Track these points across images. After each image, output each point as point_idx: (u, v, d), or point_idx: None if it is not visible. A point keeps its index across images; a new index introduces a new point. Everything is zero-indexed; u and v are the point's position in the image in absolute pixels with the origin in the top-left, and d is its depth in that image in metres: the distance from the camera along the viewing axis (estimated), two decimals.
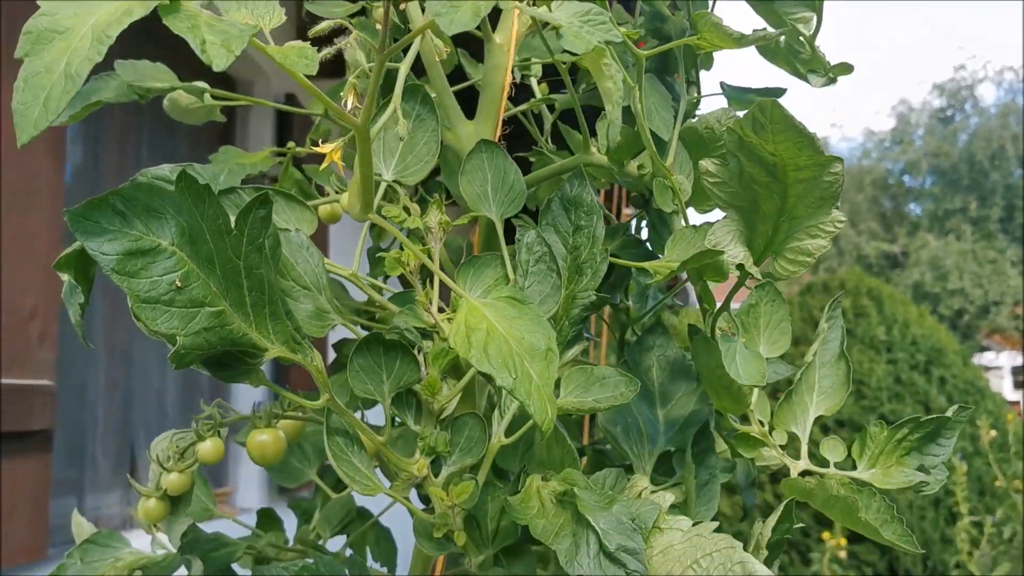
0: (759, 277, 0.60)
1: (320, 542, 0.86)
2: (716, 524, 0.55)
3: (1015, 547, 3.53)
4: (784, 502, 0.61)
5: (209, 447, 0.68)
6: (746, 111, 0.55)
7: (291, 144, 0.90)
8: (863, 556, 4.06)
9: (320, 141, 0.63)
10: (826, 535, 3.55)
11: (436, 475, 0.66)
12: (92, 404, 2.08)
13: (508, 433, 0.68)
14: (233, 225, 0.53)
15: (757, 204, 0.60)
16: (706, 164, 0.60)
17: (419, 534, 0.66)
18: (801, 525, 0.73)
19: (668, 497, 0.62)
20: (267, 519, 0.92)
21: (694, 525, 0.58)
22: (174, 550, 0.70)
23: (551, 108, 1.00)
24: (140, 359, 2.32)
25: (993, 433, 4.15)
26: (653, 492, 0.65)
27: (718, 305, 0.70)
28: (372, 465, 0.65)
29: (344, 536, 0.90)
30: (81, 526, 0.85)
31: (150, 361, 2.36)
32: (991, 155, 18.56)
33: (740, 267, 0.61)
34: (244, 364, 0.55)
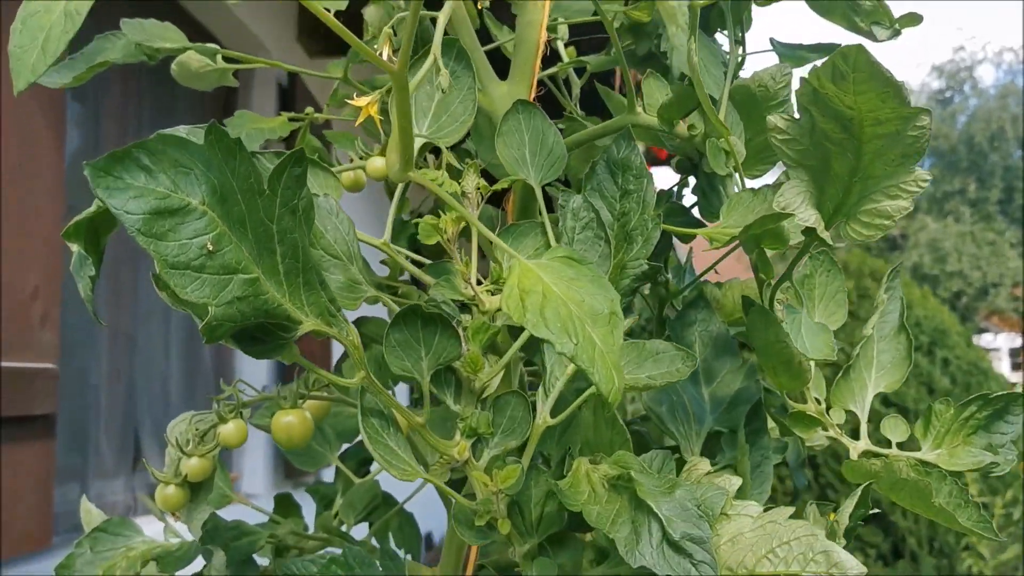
0: (830, 242, 0.56)
1: (343, 529, 0.81)
2: (791, 509, 0.51)
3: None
4: (860, 487, 0.56)
5: (232, 429, 0.63)
6: (825, 60, 0.51)
7: (309, 109, 0.85)
8: (867, 538, 4.03)
9: (355, 95, 0.58)
10: (831, 516, 3.52)
11: (477, 459, 0.62)
12: (95, 389, 2.03)
13: (553, 413, 0.63)
14: (266, 185, 0.48)
15: (828, 163, 0.55)
16: (775, 120, 0.55)
17: (459, 522, 0.61)
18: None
19: (734, 481, 0.57)
20: (285, 505, 0.88)
21: (765, 511, 0.53)
22: (189, 538, 0.65)
23: (579, 73, 0.95)
24: (144, 343, 2.27)
25: None
26: (712, 474, 0.60)
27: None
28: (408, 448, 0.60)
29: (367, 524, 0.85)
30: (90, 513, 0.80)
31: (154, 345, 2.31)
32: (990, 137, 18.49)
33: (808, 232, 0.56)
34: (277, 338, 0.50)
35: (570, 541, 0.64)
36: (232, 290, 0.45)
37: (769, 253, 0.64)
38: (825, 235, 0.55)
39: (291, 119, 0.82)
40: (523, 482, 0.62)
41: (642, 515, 0.55)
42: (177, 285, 0.42)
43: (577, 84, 0.94)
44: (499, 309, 0.63)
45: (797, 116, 0.55)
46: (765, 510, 0.53)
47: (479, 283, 0.64)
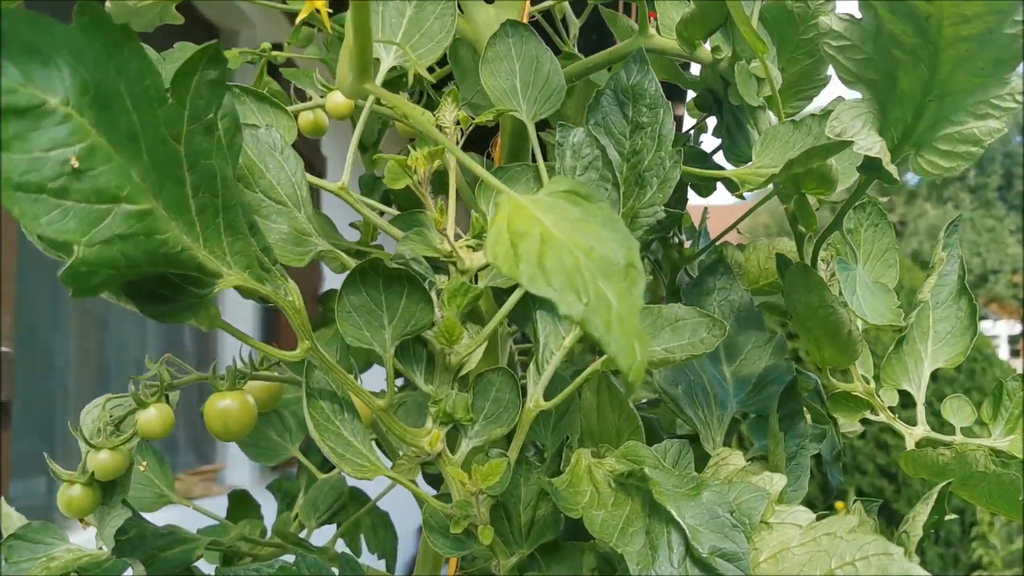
0: (897, 177, 0.44)
1: (303, 533, 0.69)
2: (855, 518, 0.39)
3: None
4: (936, 489, 0.45)
5: (153, 416, 0.51)
6: None
7: (266, 45, 0.73)
8: None
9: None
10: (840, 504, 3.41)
11: (454, 451, 0.50)
12: (61, 373, 1.91)
13: (548, 396, 0.51)
14: (169, 91, 0.36)
15: (894, 78, 0.44)
16: (829, 21, 0.43)
17: (431, 529, 0.50)
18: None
19: (776, 480, 0.46)
20: (241, 505, 0.76)
21: (819, 518, 0.42)
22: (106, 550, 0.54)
23: (576, 11, 0.83)
24: (115, 324, 2.14)
25: None
26: (746, 471, 0.49)
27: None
28: (369, 438, 0.49)
29: (335, 525, 0.73)
30: (10, 518, 0.69)
31: (127, 326, 2.19)
32: None
33: (869, 166, 0.45)
34: (187, 295, 0.38)
35: (567, 552, 0.53)
36: (111, 225, 0.33)
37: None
38: (892, 169, 0.43)
39: (242, 53, 0.70)
40: (509, 479, 0.50)
41: (659, 523, 0.43)
42: (25, 214, 0.30)
43: (575, 23, 0.82)
44: (482, 268, 0.52)
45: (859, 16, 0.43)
46: (818, 517, 0.42)
47: (458, 238, 0.53)
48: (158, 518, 0.66)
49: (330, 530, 0.73)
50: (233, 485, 2.42)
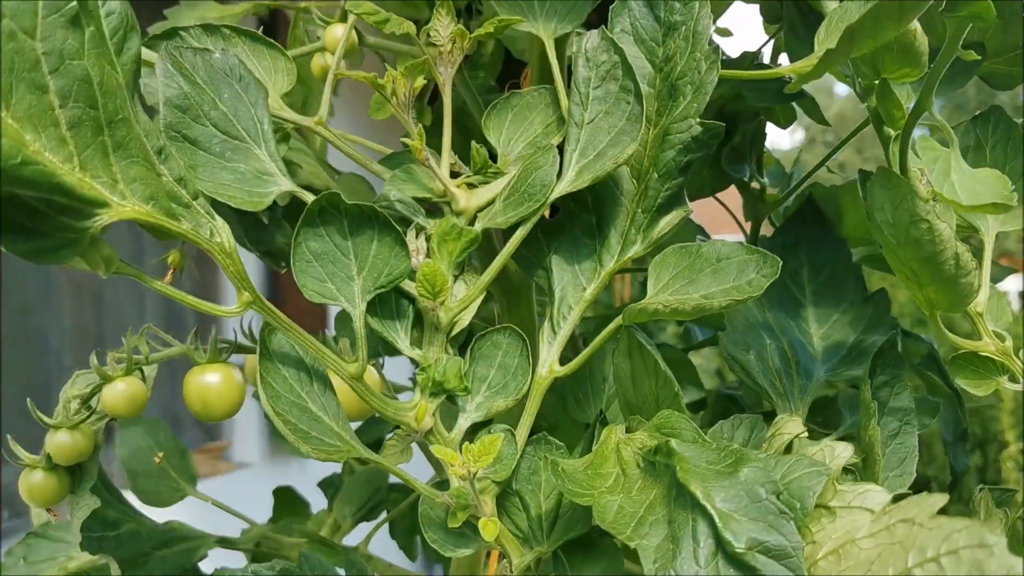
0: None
1: (337, 533, 0.62)
2: (941, 498, 0.28)
3: None
4: None
5: (121, 392, 0.45)
6: None
7: None
8: None
9: None
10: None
11: (449, 428, 0.41)
12: (56, 351, 1.88)
13: (563, 360, 0.42)
14: None
15: None
16: None
17: (428, 522, 0.41)
18: None
19: (840, 449, 0.35)
20: (286, 502, 0.70)
21: (895, 500, 0.31)
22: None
23: None
24: (111, 298, 2.09)
25: None
26: (810, 441, 0.38)
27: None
28: (343, 414, 0.41)
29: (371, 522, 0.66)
30: (40, 517, 0.64)
31: (124, 301, 2.14)
32: None
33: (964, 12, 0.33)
34: (61, 229, 0.31)
35: (602, 550, 0.43)
36: None
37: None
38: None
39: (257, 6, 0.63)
40: (522, 462, 0.41)
41: (683, 512, 0.33)
42: None
43: None
44: (482, 208, 0.43)
45: None
46: (895, 500, 0.31)
47: (455, 175, 0.44)
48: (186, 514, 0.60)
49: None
50: (241, 462, 2.35)
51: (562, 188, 0.41)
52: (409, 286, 0.40)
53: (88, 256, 0.32)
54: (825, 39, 0.40)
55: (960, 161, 0.37)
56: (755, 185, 0.61)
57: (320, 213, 0.39)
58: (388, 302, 0.41)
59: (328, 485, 0.72)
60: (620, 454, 0.40)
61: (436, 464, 0.52)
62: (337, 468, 0.73)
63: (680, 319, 0.39)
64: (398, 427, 0.41)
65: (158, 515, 0.57)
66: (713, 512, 0.32)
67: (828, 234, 0.58)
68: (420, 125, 0.41)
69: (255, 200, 0.40)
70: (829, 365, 0.52)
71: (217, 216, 0.36)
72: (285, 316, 0.38)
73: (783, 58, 0.58)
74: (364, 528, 0.65)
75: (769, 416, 0.49)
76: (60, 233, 0.31)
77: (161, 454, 0.60)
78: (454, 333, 0.41)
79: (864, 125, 0.57)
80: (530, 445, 0.42)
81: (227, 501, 0.57)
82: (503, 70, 0.68)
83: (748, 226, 0.63)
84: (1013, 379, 0.46)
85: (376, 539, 0.67)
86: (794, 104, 0.61)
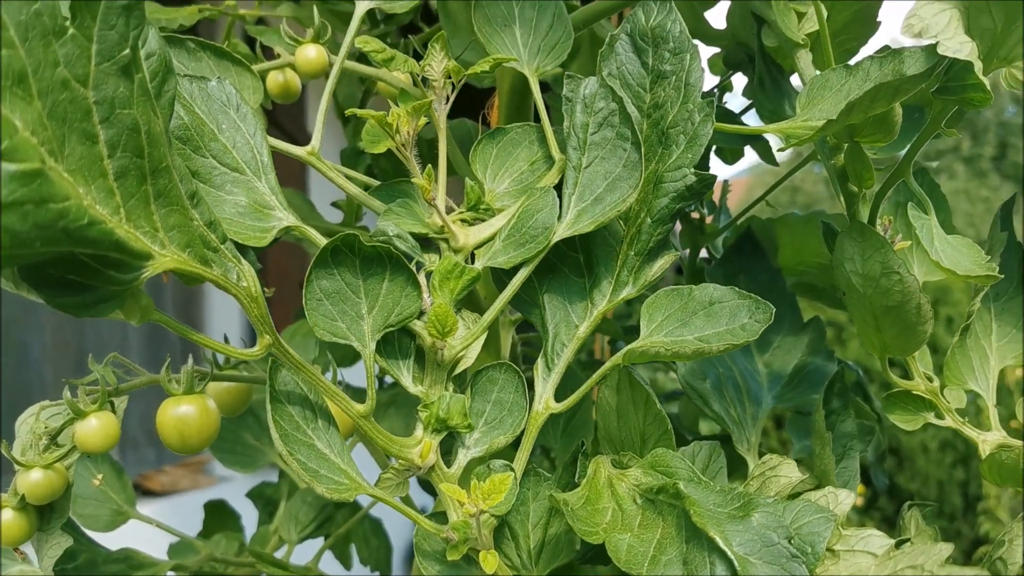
0: (988, 90, 0.36)
1: (283, 549, 0.62)
2: (947, 547, 0.32)
3: None
4: None
5: (94, 428, 0.43)
6: None
7: (230, 2, 0.65)
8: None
9: None
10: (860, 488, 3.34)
11: (449, 464, 0.42)
12: (37, 365, 1.81)
13: (559, 396, 0.43)
14: (69, 20, 0.28)
15: None
16: None
17: (424, 555, 0.42)
18: None
19: (843, 497, 0.38)
20: (217, 518, 0.68)
21: (899, 545, 0.34)
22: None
23: None
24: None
25: (1020, 372, 3.95)
26: (804, 485, 0.41)
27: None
28: (347, 451, 0.41)
29: (322, 539, 0.66)
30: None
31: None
32: None
33: (952, 85, 0.37)
34: (106, 283, 0.30)
35: None
36: None
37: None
38: (983, 79, 0.35)
39: (201, 10, 0.62)
40: (515, 495, 0.43)
41: (699, 551, 0.35)
42: None
43: None
44: (479, 246, 0.44)
45: None
46: (897, 544, 0.34)
47: (449, 212, 0.45)
48: (122, 535, 0.58)
49: (318, 542, 0.65)
50: (222, 476, 2.33)
51: (561, 232, 0.43)
52: (413, 325, 0.41)
53: (128, 307, 0.32)
54: (808, 104, 0.43)
55: (939, 228, 0.41)
56: (695, 215, 0.64)
57: (334, 253, 0.39)
58: (391, 340, 0.41)
59: (258, 496, 0.71)
60: (614, 490, 0.41)
61: (428, 485, 0.52)
62: (268, 477, 0.72)
63: (679, 360, 0.41)
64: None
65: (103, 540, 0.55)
66: (732, 556, 0.34)
67: (765, 264, 0.61)
68: (429, 165, 0.42)
69: (258, 236, 0.40)
70: (775, 392, 0.55)
71: (243, 260, 0.36)
72: (298, 357, 0.38)
73: (743, 102, 0.61)
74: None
75: (723, 440, 0.52)
76: (106, 286, 0.30)
77: (100, 476, 0.58)
78: (457, 371, 0.42)
79: (799, 167, 0.61)
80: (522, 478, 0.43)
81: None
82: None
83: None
84: (939, 416, 0.51)
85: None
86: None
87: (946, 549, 0.32)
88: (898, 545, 0.34)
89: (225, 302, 2.44)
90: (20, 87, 0.26)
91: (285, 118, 2.62)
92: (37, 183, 0.26)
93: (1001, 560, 0.36)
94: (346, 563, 0.71)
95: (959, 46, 0.34)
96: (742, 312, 0.41)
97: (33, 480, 0.42)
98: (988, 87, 0.36)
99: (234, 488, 0.67)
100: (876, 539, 0.35)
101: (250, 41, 0.68)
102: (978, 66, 0.34)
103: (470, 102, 0.63)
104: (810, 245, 0.62)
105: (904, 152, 0.42)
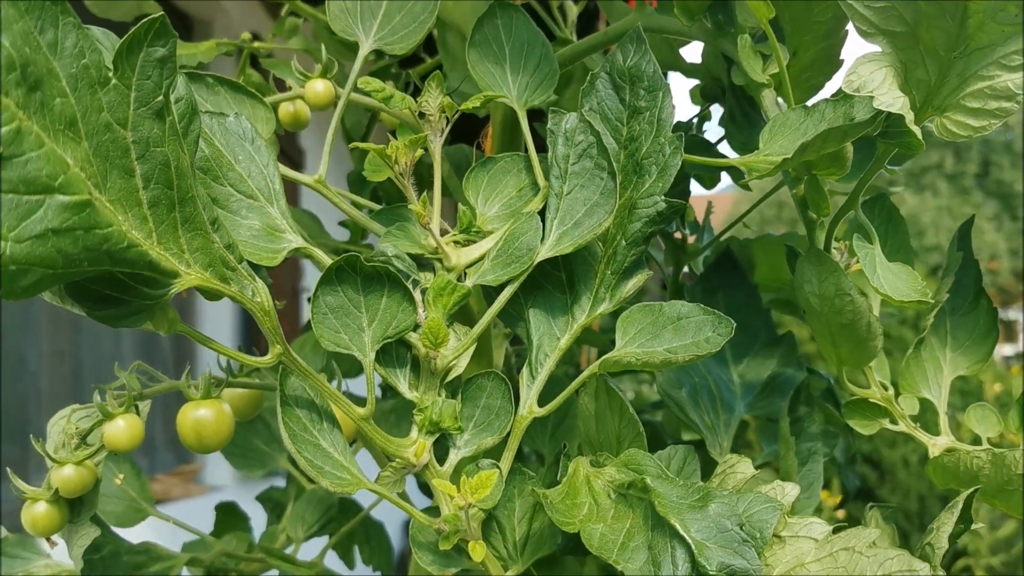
0: (921, 140, 0.41)
1: (291, 547, 0.66)
2: (875, 531, 0.36)
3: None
4: (962, 496, 0.41)
5: (122, 428, 0.48)
6: None
7: (246, 35, 0.70)
8: (854, 514, 3.87)
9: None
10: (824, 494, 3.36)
11: (442, 462, 0.46)
12: (34, 374, 1.85)
13: (542, 401, 0.48)
14: (111, 71, 0.33)
15: (916, 36, 0.40)
16: None
17: (419, 545, 0.46)
18: None
19: (789, 489, 0.42)
20: (228, 518, 0.73)
21: (836, 531, 0.38)
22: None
23: None
24: (88, 322, 2.08)
25: (998, 387, 3.98)
26: (758, 479, 0.45)
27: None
28: (350, 450, 0.45)
29: (326, 537, 0.70)
30: None
31: (101, 326, 2.12)
32: None
33: (891, 131, 0.41)
34: (141, 297, 0.35)
35: (566, 566, 0.49)
36: (44, 218, 0.29)
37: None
38: (915, 129, 0.40)
39: (219, 44, 0.67)
40: (501, 491, 0.47)
41: (662, 538, 0.40)
42: None
43: (573, 10, 0.78)
44: (470, 265, 0.48)
45: None
46: (835, 531, 0.38)
47: (444, 233, 0.49)
48: (137, 532, 0.63)
49: (323, 542, 0.70)
50: (214, 485, 2.37)
51: (544, 252, 0.47)
52: (409, 336, 0.45)
53: (156, 319, 0.36)
54: (770, 140, 0.47)
55: (882, 257, 0.45)
56: (677, 235, 0.69)
57: (338, 272, 0.43)
58: (390, 350, 0.46)
59: (267, 499, 0.75)
60: (591, 486, 0.46)
61: (426, 489, 0.57)
62: (276, 482, 0.77)
63: (648, 370, 0.46)
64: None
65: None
66: (690, 541, 0.38)
67: (743, 282, 0.65)
68: (425, 192, 0.46)
69: (270, 256, 0.45)
70: (748, 400, 0.60)
71: (257, 278, 0.40)
72: (305, 364, 0.43)
73: (716, 131, 0.65)
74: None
75: (697, 445, 0.56)
76: (139, 300, 0.35)
77: (121, 475, 0.62)
78: (449, 378, 0.47)
79: (777, 188, 0.66)
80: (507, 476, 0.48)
81: (200, 522, 0.61)
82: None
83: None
84: (893, 421, 0.55)
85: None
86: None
87: (873, 533, 0.36)
88: (835, 531, 0.38)
89: (216, 315, 2.48)
90: (71, 130, 0.31)
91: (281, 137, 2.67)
92: (86, 212, 0.31)
93: (930, 545, 0.40)
94: (349, 563, 0.75)
95: (892, 100, 0.39)
96: (706, 327, 0.46)
97: (66, 475, 0.47)
98: (920, 135, 0.40)
99: (224, 497, 0.71)
100: (817, 526, 0.39)
101: (263, 69, 0.73)
102: (909, 118, 0.39)
103: (469, 128, 0.67)
104: (785, 264, 0.67)
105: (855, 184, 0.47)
